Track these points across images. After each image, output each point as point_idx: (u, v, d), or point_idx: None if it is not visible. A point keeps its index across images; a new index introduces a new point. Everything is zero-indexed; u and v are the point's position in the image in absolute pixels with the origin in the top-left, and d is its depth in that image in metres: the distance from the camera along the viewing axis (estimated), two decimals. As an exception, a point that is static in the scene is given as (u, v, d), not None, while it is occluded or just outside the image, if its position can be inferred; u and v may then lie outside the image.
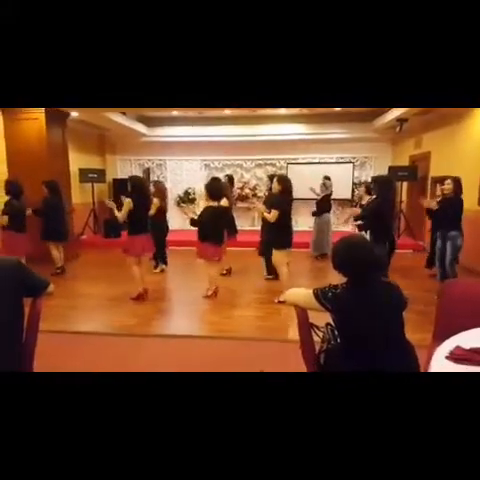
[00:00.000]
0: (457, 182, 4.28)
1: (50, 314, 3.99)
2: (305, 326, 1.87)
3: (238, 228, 5.82)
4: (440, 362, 1.46)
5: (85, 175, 8.18)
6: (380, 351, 1.59)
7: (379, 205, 3.93)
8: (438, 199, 4.62)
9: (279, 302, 4.12)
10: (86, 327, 3.69)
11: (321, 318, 1.83)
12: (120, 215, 4.06)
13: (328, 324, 1.85)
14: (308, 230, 7.12)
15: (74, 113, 6.84)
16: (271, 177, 5.33)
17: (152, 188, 5.34)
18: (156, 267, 5.68)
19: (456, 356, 1.46)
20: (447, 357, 1.47)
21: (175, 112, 8.62)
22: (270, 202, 4.64)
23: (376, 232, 3.87)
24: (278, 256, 4.19)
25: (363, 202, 5.38)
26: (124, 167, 9.79)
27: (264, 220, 4.85)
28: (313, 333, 1.89)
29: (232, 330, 3.65)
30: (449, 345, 1.57)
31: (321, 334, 1.89)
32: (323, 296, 1.66)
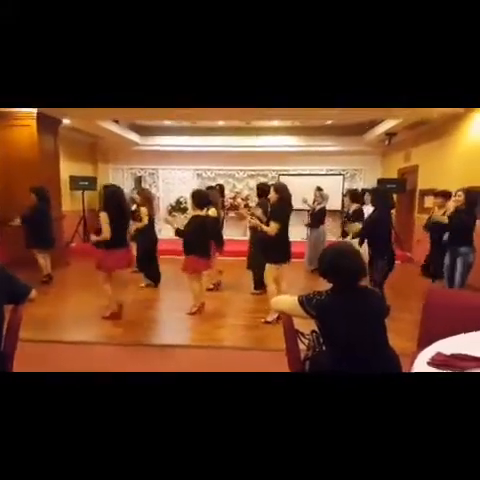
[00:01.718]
0: (470, 194, 3.96)
1: (34, 322, 3.82)
2: (291, 333, 1.88)
3: (230, 238, 5.70)
4: (422, 367, 1.48)
5: (76, 183, 8.14)
6: (363, 357, 1.61)
7: (377, 218, 3.83)
8: (443, 212, 4.33)
9: (266, 322, 3.88)
10: (71, 336, 3.63)
11: (308, 326, 1.84)
12: (102, 237, 3.73)
13: (313, 331, 1.86)
14: (300, 241, 7.13)
15: (66, 120, 6.84)
16: (260, 187, 5.10)
17: (137, 197, 5.21)
18: (146, 279, 5.37)
19: (437, 362, 1.48)
20: (428, 363, 1.49)
21: (168, 121, 8.68)
22: (263, 213, 4.53)
23: (375, 246, 3.76)
24: (270, 270, 3.86)
25: (350, 211, 5.43)
26: (116, 175, 9.79)
27: (253, 231, 4.73)
28: (299, 341, 1.90)
29: (220, 339, 3.64)
30: (431, 351, 1.59)
31: (307, 341, 1.90)
32: (307, 303, 1.67)
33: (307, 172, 9.29)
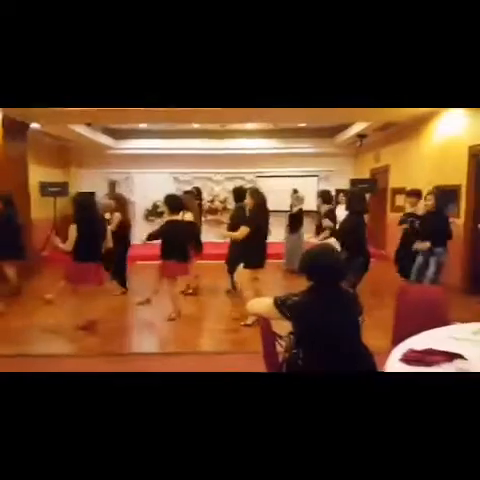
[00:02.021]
0: (438, 196, 4.11)
1: (3, 336, 3.72)
2: (268, 336, 1.89)
3: (208, 240, 5.68)
4: (394, 364, 1.52)
5: (46, 189, 7.80)
6: (339, 357, 1.63)
7: (352, 221, 3.90)
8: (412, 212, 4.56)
9: (246, 325, 3.87)
10: (43, 349, 3.48)
11: (286, 328, 1.85)
12: (63, 247, 3.60)
13: (290, 333, 1.87)
14: (279, 242, 7.15)
15: (35, 124, 6.65)
16: (236, 191, 5.13)
17: (112, 203, 5.03)
18: (120, 287, 5.22)
19: (409, 358, 1.52)
20: (401, 359, 1.53)
21: (142, 124, 8.58)
22: (238, 217, 4.52)
23: (351, 248, 3.80)
24: (242, 275, 3.89)
25: (322, 211, 5.53)
26: (89, 180, 9.56)
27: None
28: (277, 343, 1.91)
29: (198, 345, 3.62)
30: (403, 348, 1.64)
31: (284, 343, 1.91)
32: (283, 304, 1.68)
33: (283, 174, 9.39)
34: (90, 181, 9.50)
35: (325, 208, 5.52)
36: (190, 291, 5.11)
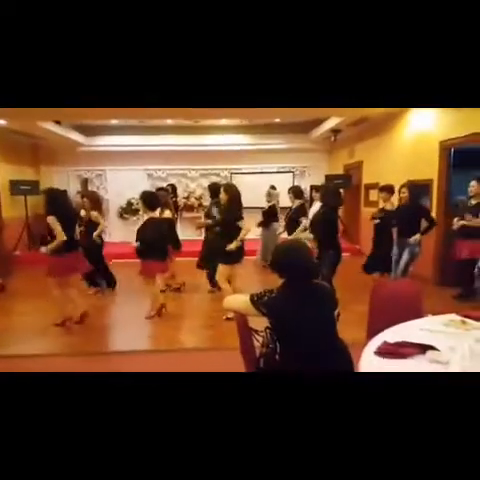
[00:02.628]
0: (412, 189, 4.30)
1: None
2: (244, 331, 1.90)
3: (185, 238, 5.64)
4: (369, 357, 1.55)
5: (16, 187, 7.63)
6: (315, 351, 1.65)
7: (326, 214, 3.96)
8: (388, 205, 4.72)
9: (227, 319, 3.85)
10: (24, 349, 3.41)
11: (262, 323, 1.86)
12: (57, 241, 3.61)
13: (267, 328, 1.88)
14: (254, 238, 7.19)
15: (1, 121, 6.40)
16: (212, 187, 5.11)
17: (85, 201, 4.93)
18: (91, 286, 5.15)
19: (383, 351, 1.56)
20: (375, 352, 1.57)
21: (114, 120, 8.40)
22: (213, 213, 4.54)
23: (323, 241, 3.84)
24: (223, 271, 3.94)
25: (293, 206, 5.60)
26: (61, 178, 9.30)
27: (209, 231, 4.75)
28: (254, 338, 1.92)
29: (178, 342, 3.60)
30: (378, 341, 1.67)
31: (261, 339, 1.92)
32: (259, 301, 1.69)
33: (258, 170, 9.40)
34: (61, 179, 9.25)
35: (297, 203, 5.58)
36: (177, 286, 5.12)
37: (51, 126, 7.25)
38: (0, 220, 6.24)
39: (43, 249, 3.73)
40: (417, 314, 2.03)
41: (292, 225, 5.39)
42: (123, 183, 9.33)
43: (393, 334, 1.73)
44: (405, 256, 4.24)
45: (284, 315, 1.67)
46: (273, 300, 1.68)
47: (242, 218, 3.91)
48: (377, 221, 4.84)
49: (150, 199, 4.08)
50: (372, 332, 1.97)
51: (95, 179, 9.51)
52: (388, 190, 4.84)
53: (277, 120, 8.59)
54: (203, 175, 9.59)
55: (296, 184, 7.71)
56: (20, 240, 7.65)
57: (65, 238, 3.63)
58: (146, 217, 4.12)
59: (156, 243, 3.95)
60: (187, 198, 9.28)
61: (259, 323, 1.87)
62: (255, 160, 9.42)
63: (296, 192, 5.72)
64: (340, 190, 4.69)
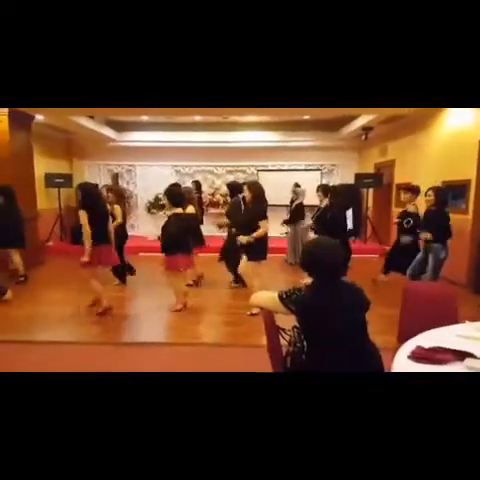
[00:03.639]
0: (438, 193, 4.11)
1: (9, 323, 3.81)
2: (271, 329, 1.88)
3: (209, 234, 5.65)
4: (402, 362, 1.49)
5: (51, 180, 7.93)
6: (343, 352, 1.61)
7: (333, 214, 3.90)
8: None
9: (252, 315, 3.87)
10: (49, 336, 3.53)
11: (290, 321, 1.83)
12: (85, 236, 3.77)
13: (295, 327, 1.85)
14: (279, 236, 7.15)
15: (39, 116, 6.62)
16: (230, 186, 5.09)
17: (110, 195, 4.95)
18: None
19: (417, 355, 1.50)
20: (409, 357, 1.51)
21: (145, 117, 8.53)
22: (235, 212, 4.49)
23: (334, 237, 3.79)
24: (247, 267, 3.91)
25: (322, 205, 5.50)
26: (92, 172, 9.56)
27: (233, 227, 4.69)
28: (280, 337, 1.90)
29: (201, 336, 3.62)
30: (411, 345, 1.61)
31: (288, 337, 1.89)
32: (287, 298, 1.67)
33: (286, 167, 9.31)
34: (93, 173, 9.50)
35: (325, 202, 5.48)
36: (191, 283, 5.08)
37: (85, 121, 7.44)
38: (35, 211, 6.45)
39: (85, 255, 3.83)
40: (452, 319, 1.95)
41: (320, 224, 5.30)
42: (152, 178, 9.47)
43: (427, 339, 1.67)
44: (431, 262, 4.09)
45: (312, 314, 1.64)
46: (302, 298, 1.65)
47: (266, 217, 3.82)
48: (398, 221, 4.70)
49: (173, 195, 4.13)
50: (403, 335, 1.91)
51: (125, 174, 9.70)
52: (413, 191, 4.64)
53: (306, 117, 8.48)
54: (229, 171, 9.59)
55: (325, 182, 7.58)
56: (53, 231, 7.92)
57: (90, 232, 3.76)
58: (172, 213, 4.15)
59: (180, 239, 3.98)
60: (212, 195, 9.32)
61: (286, 322, 1.85)
62: (282, 157, 9.33)
63: (325, 191, 5.63)
64: (355, 192, 4.56)
